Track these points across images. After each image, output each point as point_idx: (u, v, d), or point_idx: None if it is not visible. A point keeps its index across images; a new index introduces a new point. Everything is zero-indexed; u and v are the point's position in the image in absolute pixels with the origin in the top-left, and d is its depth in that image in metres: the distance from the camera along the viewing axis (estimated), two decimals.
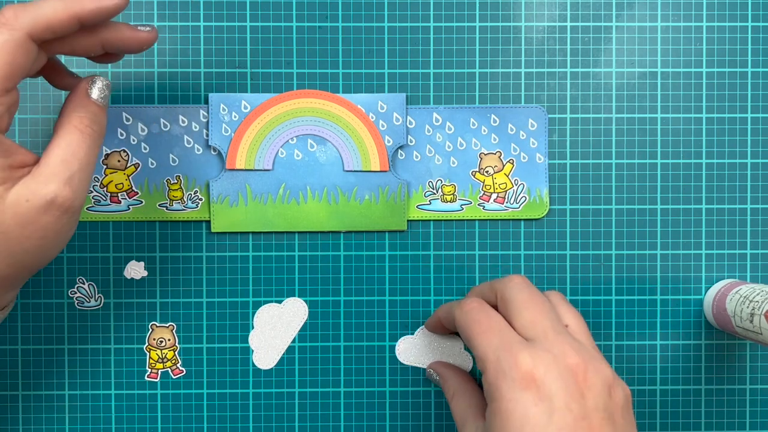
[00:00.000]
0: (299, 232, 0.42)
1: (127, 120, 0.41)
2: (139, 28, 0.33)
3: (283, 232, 0.42)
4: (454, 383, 0.39)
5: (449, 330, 0.40)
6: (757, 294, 0.38)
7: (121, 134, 0.41)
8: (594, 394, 0.30)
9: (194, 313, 0.42)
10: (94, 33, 0.32)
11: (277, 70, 0.41)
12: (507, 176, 0.42)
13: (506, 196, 0.42)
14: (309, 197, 0.41)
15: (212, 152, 0.41)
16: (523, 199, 0.42)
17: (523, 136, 0.42)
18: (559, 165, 0.42)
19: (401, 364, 0.42)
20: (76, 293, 0.42)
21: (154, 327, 0.42)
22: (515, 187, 0.42)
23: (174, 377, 0.42)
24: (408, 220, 0.42)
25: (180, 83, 0.41)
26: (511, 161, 0.42)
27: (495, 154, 0.42)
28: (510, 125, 0.42)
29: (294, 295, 0.42)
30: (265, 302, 0.42)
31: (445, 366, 0.41)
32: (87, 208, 0.41)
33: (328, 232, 0.42)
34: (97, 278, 0.42)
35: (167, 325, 0.42)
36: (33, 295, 0.42)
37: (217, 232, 0.41)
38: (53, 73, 0.35)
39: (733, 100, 0.42)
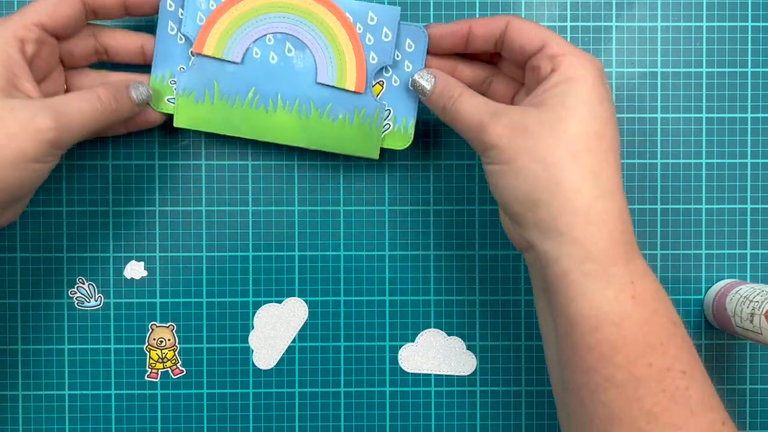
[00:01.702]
0: (299, 232, 0.42)
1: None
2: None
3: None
4: (457, 83, 0.36)
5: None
6: (757, 294, 0.38)
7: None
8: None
9: (194, 313, 0.42)
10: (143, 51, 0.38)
11: None
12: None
13: None
14: (279, 106, 0.38)
15: (179, 41, 0.38)
16: (387, 126, 0.39)
17: (398, 56, 0.38)
18: None
19: (404, 373, 0.42)
20: (76, 293, 0.42)
21: (154, 327, 0.42)
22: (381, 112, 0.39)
23: (174, 377, 0.42)
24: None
25: None
26: (380, 83, 0.39)
27: None
28: None
29: (294, 295, 0.42)
30: (265, 302, 0.42)
31: (437, 71, 0.37)
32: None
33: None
34: (97, 278, 0.42)
35: (167, 325, 0.42)
36: (33, 295, 0.42)
37: (182, 130, 0.39)
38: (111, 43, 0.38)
39: (733, 100, 0.42)
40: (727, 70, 0.42)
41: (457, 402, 0.42)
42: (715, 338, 0.43)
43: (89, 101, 0.34)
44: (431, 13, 0.42)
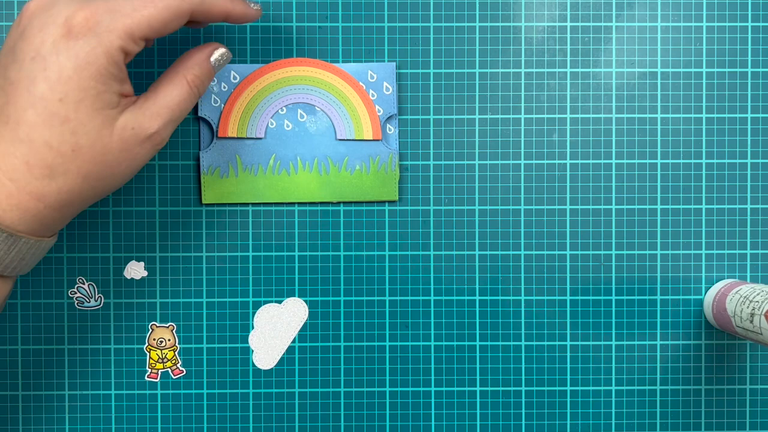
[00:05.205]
0: (299, 232, 0.42)
1: None
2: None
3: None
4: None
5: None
6: (757, 294, 0.38)
7: None
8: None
9: (194, 313, 0.42)
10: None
11: None
12: None
13: None
14: (300, 168, 0.41)
15: (202, 124, 0.41)
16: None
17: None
18: (559, 165, 0.42)
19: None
20: (76, 293, 0.42)
21: (154, 327, 0.42)
22: None
23: (174, 377, 0.42)
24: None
25: None
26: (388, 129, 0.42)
27: None
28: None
29: (294, 295, 0.42)
30: (265, 302, 0.42)
31: None
32: None
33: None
34: (97, 278, 0.42)
35: (167, 325, 0.42)
36: (33, 295, 0.42)
37: (208, 205, 0.41)
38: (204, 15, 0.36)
39: (733, 100, 0.42)
40: (727, 70, 0.42)
41: (457, 402, 0.43)
42: (715, 338, 0.43)
43: (180, 93, 0.35)
44: (431, 13, 0.42)
